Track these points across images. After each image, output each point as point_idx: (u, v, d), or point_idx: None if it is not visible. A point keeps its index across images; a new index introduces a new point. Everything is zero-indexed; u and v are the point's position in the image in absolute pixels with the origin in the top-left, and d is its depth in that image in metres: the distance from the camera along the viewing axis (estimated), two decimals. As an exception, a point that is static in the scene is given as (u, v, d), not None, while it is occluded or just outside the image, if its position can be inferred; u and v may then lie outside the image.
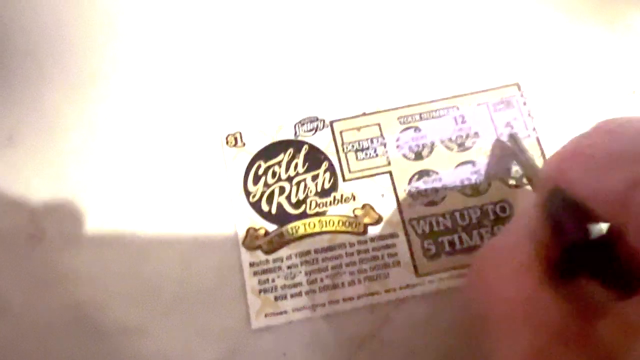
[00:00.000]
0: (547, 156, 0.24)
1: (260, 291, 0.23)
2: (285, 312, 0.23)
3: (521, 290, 0.14)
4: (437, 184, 0.25)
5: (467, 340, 0.22)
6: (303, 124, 0.26)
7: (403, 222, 0.24)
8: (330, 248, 0.24)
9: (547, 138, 0.25)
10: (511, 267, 0.14)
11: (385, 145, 0.25)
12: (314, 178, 0.25)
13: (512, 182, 0.24)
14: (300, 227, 0.24)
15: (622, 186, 0.12)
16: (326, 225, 0.24)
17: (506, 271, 0.14)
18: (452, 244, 0.24)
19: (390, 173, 0.25)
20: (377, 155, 0.25)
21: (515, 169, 0.24)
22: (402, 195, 0.24)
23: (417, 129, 0.25)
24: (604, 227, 0.13)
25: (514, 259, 0.15)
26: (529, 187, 0.23)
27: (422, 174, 0.25)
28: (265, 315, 0.23)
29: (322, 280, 0.23)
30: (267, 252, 0.24)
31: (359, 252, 0.24)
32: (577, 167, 0.14)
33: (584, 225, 0.13)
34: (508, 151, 0.24)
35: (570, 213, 0.13)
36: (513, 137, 0.24)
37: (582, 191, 0.13)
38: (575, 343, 0.12)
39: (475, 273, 0.16)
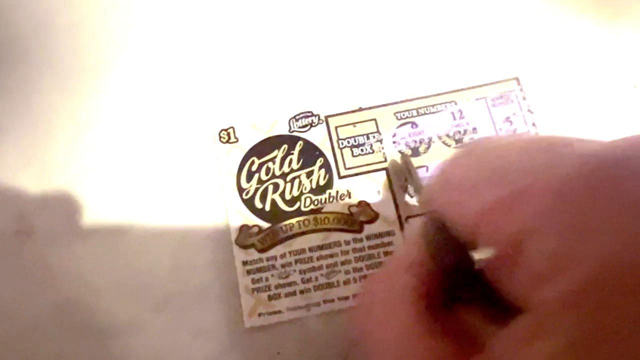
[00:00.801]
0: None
1: (253, 290, 0.23)
2: (280, 311, 0.23)
3: (395, 327, 0.13)
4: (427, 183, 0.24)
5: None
6: (297, 120, 0.25)
7: (399, 219, 0.23)
8: (325, 246, 0.23)
9: (547, 134, 0.24)
10: (390, 299, 0.14)
11: (381, 141, 0.25)
12: (309, 175, 0.24)
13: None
14: (294, 224, 0.24)
15: (477, 208, 0.12)
16: (321, 223, 0.24)
17: (385, 304, 0.14)
18: (449, 242, 0.23)
19: (387, 170, 0.24)
20: (373, 151, 0.25)
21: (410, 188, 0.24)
22: (398, 192, 0.24)
23: (414, 124, 0.25)
24: (480, 254, 0.13)
25: (391, 291, 0.14)
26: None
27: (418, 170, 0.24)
28: (259, 315, 0.23)
29: (316, 279, 0.23)
30: (260, 250, 0.23)
31: (354, 250, 0.23)
32: (443, 193, 0.14)
33: (459, 253, 0.13)
34: (400, 171, 0.24)
35: (445, 240, 0.13)
36: (404, 157, 0.24)
37: (449, 216, 0.13)
38: None
39: (358, 301, 0.16)
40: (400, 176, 0.23)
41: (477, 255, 0.12)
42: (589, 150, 0.11)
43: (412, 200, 0.23)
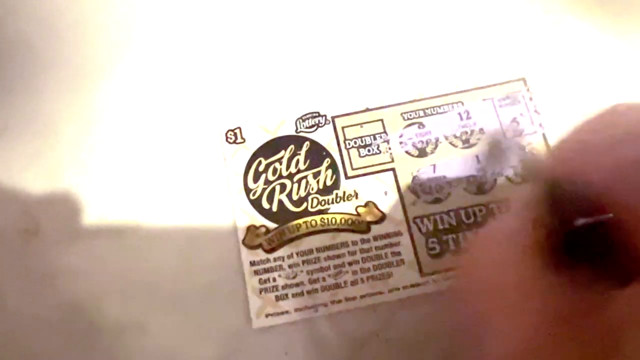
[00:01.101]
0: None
1: (261, 291, 0.23)
2: (287, 312, 0.23)
3: (521, 274, 0.13)
4: (442, 181, 0.24)
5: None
6: (304, 120, 0.25)
7: (407, 220, 0.23)
8: (332, 247, 0.23)
9: (554, 134, 0.24)
10: (509, 252, 0.14)
11: (388, 142, 0.25)
12: (316, 175, 0.24)
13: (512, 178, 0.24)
14: (301, 225, 0.24)
15: (617, 164, 0.12)
16: (328, 224, 0.24)
17: (504, 256, 0.14)
18: (457, 242, 0.23)
19: (394, 170, 0.24)
20: (380, 151, 0.25)
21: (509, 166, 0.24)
22: (405, 192, 0.24)
23: (421, 124, 0.25)
24: (593, 219, 0.13)
25: (514, 242, 0.14)
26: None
27: (427, 170, 0.24)
28: (267, 315, 0.23)
29: (324, 279, 0.23)
30: (267, 251, 0.23)
31: (361, 250, 0.23)
32: (579, 153, 0.14)
33: (585, 213, 0.13)
34: (499, 149, 0.24)
35: (571, 201, 0.13)
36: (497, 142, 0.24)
37: (582, 177, 0.13)
38: (573, 331, 0.12)
39: (468, 257, 0.16)
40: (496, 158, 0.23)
41: (587, 219, 0.12)
42: None
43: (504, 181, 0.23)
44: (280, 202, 0.24)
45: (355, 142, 0.25)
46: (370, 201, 0.24)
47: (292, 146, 0.25)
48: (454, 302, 0.15)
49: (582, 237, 0.13)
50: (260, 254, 0.23)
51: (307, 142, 0.25)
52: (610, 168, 0.12)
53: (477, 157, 0.24)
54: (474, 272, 0.15)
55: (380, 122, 0.25)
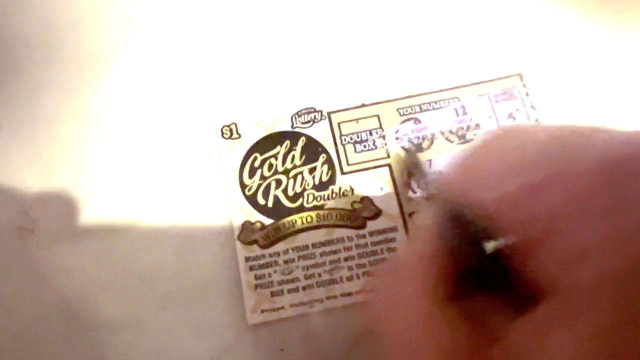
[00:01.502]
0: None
1: (256, 286, 0.23)
2: (282, 307, 0.22)
3: (415, 313, 0.13)
4: (437, 177, 0.24)
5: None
6: (300, 115, 0.25)
7: (403, 216, 0.23)
8: (328, 242, 0.23)
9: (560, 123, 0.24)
10: (406, 290, 0.14)
11: (384, 137, 0.25)
12: (312, 171, 0.24)
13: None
14: (297, 220, 0.24)
15: (500, 197, 0.12)
16: (324, 219, 0.24)
17: (401, 294, 0.14)
18: (452, 238, 0.23)
19: (390, 166, 0.24)
20: (376, 147, 0.25)
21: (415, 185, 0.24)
22: (401, 188, 0.24)
23: (417, 120, 0.25)
24: (499, 242, 0.13)
25: (409, 281, 0.14)
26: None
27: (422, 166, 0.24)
28: (262, 311, 0.22)
29: (319, 275, 0.23)
30: (263, 247, 0.23)
31: (357, 246, 0.23)
32: (464, 181, 0.14)
33: (479, 242, 0.13)
34: (404, 167, 0.24)
35: (463, 229, 0.13)
36: (410, 153, 0.24)
37: (469, 204, 0.13)
38: None
39: (372, 290, 0.16)
40: (404, 171, 0.23)
41: (495, 243, 0.12)
42: (618, 139, 0.11)
43: (416, 195, 0.23)
44: (276, 197, 0.24)
45: (351, 138, 0.25)
46: (366, 197, 0.24)
47: (287, 142, 0.25)
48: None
49: (477, 268, 0.13)
50: (255, 250, 0.23)
51: (303, 138, 0.25)
52: (499, 194, 0.12)
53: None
54: (378, 307, 0.15)
55: (376, 118, 0.25)
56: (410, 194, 0.24)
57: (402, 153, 0.24)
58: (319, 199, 0.24)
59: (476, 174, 0.13)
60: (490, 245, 0.12)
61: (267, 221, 0.24)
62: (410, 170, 0.23)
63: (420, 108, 0.25)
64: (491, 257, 0.12)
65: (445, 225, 0.14)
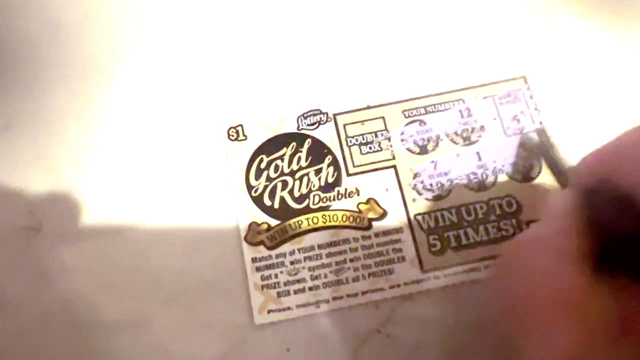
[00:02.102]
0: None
1: (263, 287, 0.23)
2: (289, 308, 0.23)
3: (563, 281, 0.13)
4: (442, 179, 0.24)
5: (479, 337, 0.22)
6: (306, 117, 0.25)
7: (408, 217, 0.24)
8: (334, 243, 0.23)
9: (554, 132, 0.24)
10: (552, 258, 0.14)
11: (389, 139, 0.25)
12: (317, 172, 0.24)
13: (519, 177, 0.24)
14: (303, 222, 0.24)
15: None
16: (330, 220, 0.24)
17: (546, 262, 0.14)
18: (458, 239, 0.23)
19: (395, 167, 0.24)
20: (381, 149, 0.25)
21: (539, 166, 0.24)
22: (407, 189, 0.24)
23: (422, 122, 0.25)
24: None
25: (555, 250, 0.14)
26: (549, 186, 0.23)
27: (428, 168, 0.24)
28: (269, 312, 0.23)
29: (325, 276, 0.23)
30: (269, 248, 0.23)
31: (363, 247, 0.23)
32: (627, 161, 0.14)
33: (627, 220, 0.13)
34: (535, 148, 0.24)
35: (613, 208, 0.13)
36: (542, 132, 0.24)
37: (630, 183, 0.13)
38: (617, 343, 0.12)
39: (506, 264, 0.16)
40: (533, 155, 0.23)
41: None
42: None
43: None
44: (282, 199, 0.24)
45: (356, 140, 0.25)
46: (371, 198, 0.24)
47: (293, 143, 0.25)
48: (489, 310, 0.15)
49: (622, 246, 0.13)
50: (262, 251, 0.23)
51: (309, 140, 0.25)
52: None
53: (477, 153, 0.24)
54: (512, 281, 0.15)
55: (381, 120, 0.25)
56: (415, 195, 0.24)
57: (533, 139, 0.24)
58: (324, 200, 0.24)
59: (623, 156, 0.13)
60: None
61: (274, 222, 0.24)
62: (545, 154, 0.23)
63: (426, 110, 0.25)
64: (632, 238, 0.12)
65: (596, 198, 0.14)
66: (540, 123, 0.25)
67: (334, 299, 0.23)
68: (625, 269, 0.13)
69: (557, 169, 0.22)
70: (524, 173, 0.24)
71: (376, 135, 0.25)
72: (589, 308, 0.12)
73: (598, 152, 0.15)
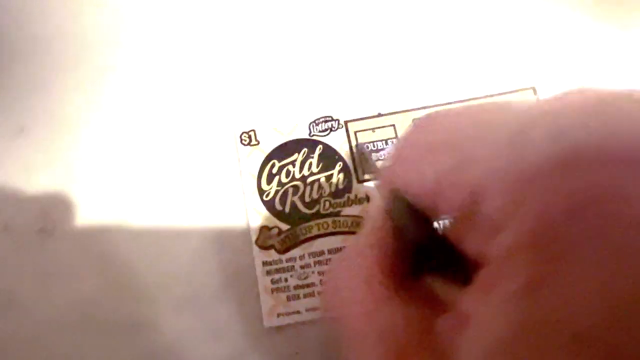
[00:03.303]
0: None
1: (273, 290, 0.23)
2: (298, 311, 0.23)
3: (365, 301, 0.14)
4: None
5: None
6: (318, 124, 0.26)
7: (417, 224, 0.24)
8: (343, 248, 0.24)
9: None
10: (356, 276, 0.14)
11: (400, 147, 0.25)
12: (328, 178, 0.25)
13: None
14: (313, 227, 0.24)
15: (432, 177, 0.12)
16: (340, 226, 0.24)
17: (351, 281, 0.14)
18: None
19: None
20: (391, 156, 0.25)
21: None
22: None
23: (432, 131, 0.25)
24: (441, 220, 0.14)
25: (359, 268, 0.14)
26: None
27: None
28: (278, 315, 0.23)
29: (327, 269, 0.23)
30: (280, 252, 0.24)
31: (372, 253, 0.24)
32: (399, 166, 0.14)
33: (423, 224, 0.13)
34: (361, 157, 0.25)
35: (408, 214, 0.14)
36: (358, 147, 0.25)
37: (406, 190, 0.14)
38: (416, 348, 0.12)
39: (325, 282, 0.16)
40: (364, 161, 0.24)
41: (438, 222, 0.13)
42: (528, 111, 0.12)
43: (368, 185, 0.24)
44: (293, 204, 0.25)
45: (367, 147, 0.25)
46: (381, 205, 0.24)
47: (305, 149, 0.25)
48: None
49: (425, 248, 0.13)
50: (272, 255, 0.24)
51: (320, 146, 0.25)
52: (432, 177, 0.13)
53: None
54: (330, 296, 0.15)
55: (392, 128, 0.25)
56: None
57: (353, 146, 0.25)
58: (335, 206, 0.24)
59: (412, 159, 0.14)
60: (435, 224, 0.13)
61: (284, 227, 0.24)
62: (361, 160, 0.24)
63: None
64: (436, 235, 0.13)
65: (392, 207, 0.14)
66: None
67: (343, 303, 0.23)
68: (433, 269, 0.14)
69: (373, 181, 0.23)
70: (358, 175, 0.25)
71: (387, 143, 0.25)
72: (393, 324, 0.13)
73: (388, 160, 0.15)
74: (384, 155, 0.25)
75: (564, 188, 0.10)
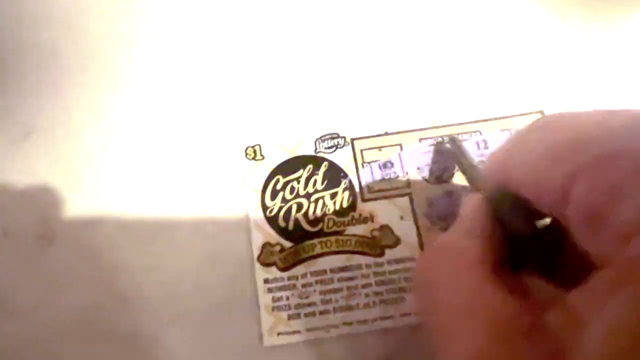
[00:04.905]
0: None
1: (273, 308, 0.23)
2: (298, 331, 0.23)
3: (467, 287, 0.14)
4: (457, 209, 0.24)
5: None
6: (324, 140, 0.26)
7: (421, 245, 0.24)
8: (346, 268, 0.23)
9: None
10: (457, 264, 0.14)
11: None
12: (333, 196, 0.25)
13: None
14: (316, 245, 0.24)
15: (560, 179, 0.12)
16: (343, 245, 0.24)
17: (452, 269, 0.14)
18: (470, 271, 0.23)
19: (410, 195, 0.25)
20: (397, 176, 0.25)
21: (454, 171, 0.24)
22: (421, 218, 0.24)
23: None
24: (548, 221, 0.14)
25: (460, 256, 0.15)
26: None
27: (443, 197, 0.24)
28: (278, 334, 0.23)
29: (336, 300, 0.23)
30: (282, 269, 0.24)
31: (375, 274, 0.23)
32: (517, 164, 0.14)
33: (529, 221, 0.13)
34: (448, 154, 0.24)
35: (515, 209, 0.14)
36: (454, 140, 0.24)
37: (523, 187, 0.13)
38: (523, 338, 0.12)
39: (420, 272, 0.16)
40: (446, 161, 0.24)
41: (546, 220, 0.13)
42: None
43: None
44: (297, 221, 0.24)
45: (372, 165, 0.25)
46: (385, 225, 0.24)
47: (310, 166, 0.25)
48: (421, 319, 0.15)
49: (528, 245, 0.13)
50: (274, 272, 0.23)
51: (326, 163, 0.25)
52: (549, 181, 0.12)
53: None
54: (425, 283, 0.15)
55: (398, 147, 0.25)
56: (429, 224, 0.24)
57: (447, 143, 0.25)
58: (339, 224, 0.24)
59: (536, 156, 0.14)
60: (541, 222, 0.13)
61: (287, 244, 0.24)
62: (456, 157, 0.24)
63: (442, 139, 0.25)
64: (541, 232, 0.13)
65: (498, 201, 0.14)
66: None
67: (344, 324, 0.23)
68: (530, 266, 0.14)
69: (469, 174, 0.22)
70: (437, 176, 0.25)
71: (393, 162, 0.25)
72: (492, 309, 0.13)
73: (494, 156, 0.15)
74: (389, 174, 0.25)
75: None
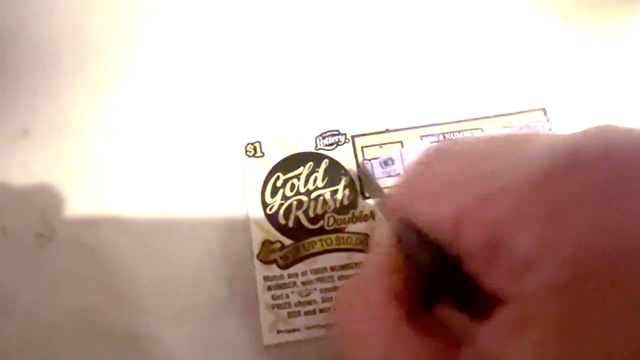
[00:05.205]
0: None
1: (273, 306, 0.23)
2: (298, 329, 0.23)
3: (381, 335, 0.13)
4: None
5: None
6: (324, 137, 0.25)
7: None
8: (346, 266, 0.23)
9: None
10: (366, 307, 0.14)
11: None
12: (333, 193, 0.24)
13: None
14: (317, 242, 0.24)
15: (450, 217, 0.12)
16: (343, 243, 0.24)
17: (365, 314, 0.14)
18: (471, 269, 0.23)
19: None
20: (398, 173, 0.25)
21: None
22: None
23: (439, 149, 0.25)
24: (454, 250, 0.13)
25: (369, 298, 0.14)
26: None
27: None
28: (278, 332, 0.23)
29: (337, 298, 0.23)
30: (282, 267, 0.23)
31: (375, 271, 0.23)
32: (418, 195, 0.14)
33: (434, 254, 0.13)
34: (364, 177, 0.24)
35: (418, 243, 0.13)
36: (359, 166, 0.24)
37: (420, 221, 0.13)
38: None
39: (336, 314, 0.16)
40: (367, 182, 0.24)
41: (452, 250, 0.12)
42: (553, 144, 0.12)
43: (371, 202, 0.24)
44: (297, 218, 0.24)
45: (370, 165, 0.25)
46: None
47: (310, 163, 0.25)
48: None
49: (436, 278, 0.13)
50: (274, 270, 0.23)
51: (326, 160, 0.25)
52: (453, 209, 0.12)
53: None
54: (340, 326, 0.15)
55: (399, 144, 0.25)
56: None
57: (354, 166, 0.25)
58: (339, 222, 0.24)
59: (426, 190, 0.14)
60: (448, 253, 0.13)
61: (287, 241, 0.24)
62: (361, 179, 0.24)
63: (444, 137, 0.25)
64: (450, 265, 0.13)
65: (402, 235, 0.14)
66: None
67: (345, 322, 0.23)
68: (442, 299, 0.14)
69: (378, 203, 0.22)
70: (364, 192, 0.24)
71: (393, 161, 0.25)
72: (407, 351, 0.13)
73: (398, 188, 0.15)
74: (390, 171, 0.25)
75: (602, 228, 0.10)
